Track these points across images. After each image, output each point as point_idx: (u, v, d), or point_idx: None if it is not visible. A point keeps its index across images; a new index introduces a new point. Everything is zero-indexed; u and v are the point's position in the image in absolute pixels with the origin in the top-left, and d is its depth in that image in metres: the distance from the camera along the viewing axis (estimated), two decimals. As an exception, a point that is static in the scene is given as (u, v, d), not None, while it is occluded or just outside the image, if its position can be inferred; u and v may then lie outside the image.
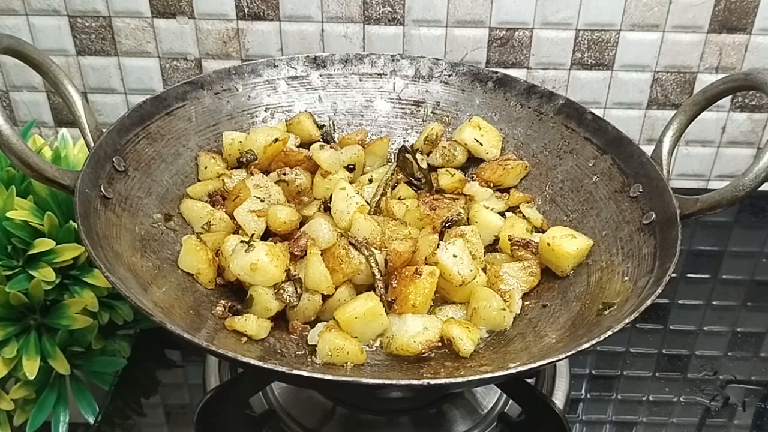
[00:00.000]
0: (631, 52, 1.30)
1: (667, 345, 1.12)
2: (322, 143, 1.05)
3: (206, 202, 0.98)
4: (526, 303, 0.91)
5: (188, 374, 1.08)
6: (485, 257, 0.94)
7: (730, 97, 1.27)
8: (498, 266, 0.92)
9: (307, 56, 1.12)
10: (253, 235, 0.89)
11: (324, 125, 1.11)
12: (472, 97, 1.12)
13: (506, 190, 1.05)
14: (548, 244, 0.90)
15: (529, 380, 0.97)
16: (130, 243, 0.87)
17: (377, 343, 0.84)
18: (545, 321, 0.87)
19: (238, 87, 1.09)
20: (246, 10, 1.28)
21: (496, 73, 1.11)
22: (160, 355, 1.11)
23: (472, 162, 1.09)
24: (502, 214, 1.01)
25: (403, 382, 0.74)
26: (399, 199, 1.00)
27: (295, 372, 0.68)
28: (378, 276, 0.87)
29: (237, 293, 0.89)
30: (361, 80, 1.14)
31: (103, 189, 0.86)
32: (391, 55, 1.14)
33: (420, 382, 0.69)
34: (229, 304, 0.86)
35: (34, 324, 0.97)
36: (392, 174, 1.03)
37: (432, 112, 1.14)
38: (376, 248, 0.89)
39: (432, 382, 0.68)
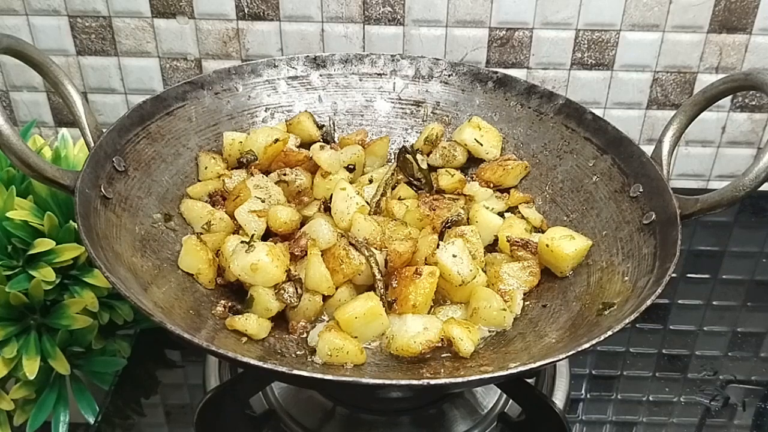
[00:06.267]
0: (631, 52, 1.30)
1: (667, 345, 1.12)
2: (322, 143, 1.05)
3: (206, 202, 0.98)
4: (526, 303, 0.91)
5: (188, 374, 1.08)
6: (485, 257, 0.94)
7: (730, 97, 1.27)
8: (498, 266, 0.92)
9: (307, 56, 1.12)
10: (253, 235, 0.89)
11: (324, 125, 1.11)
12: (472, 97, 1.12)
13: (506, 191, 1.05)
14: (547, 245, 0.90)
15: (529, 380, 0.97)
16: (130, 243, 0.87)
17: (377, 343, 0.84)
18: (545, 321, 0.87)
19: (238, 87, 1.09)
20: (246, 10, 1.28)
21: (496, 73, 1.11)
22: (160, 355, 1.11)
23: (472, 162, 1.09)
24: (501, 214, 1.01)
25: (403, 382, 0.74)
26: (399, 199, 1.00)
27: (295, 372, 0.68)
28: (378, 276, 0.87)
29: (237, 293, 0.89)
30: (361, 80, 1.14)
31: (103, 189, 0.86)
32: (391, 55, 1.14)
33: (420, 382, 0.69)
34: (230, 304, 0.86)
35: (34, 324, 0.97)
36: (392, 174, 1.03)
37: (432, 112, 1.14)
38: (376, 248, 0.89)
39: (432, 382, 0.68)
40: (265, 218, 0.92)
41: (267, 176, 0.99)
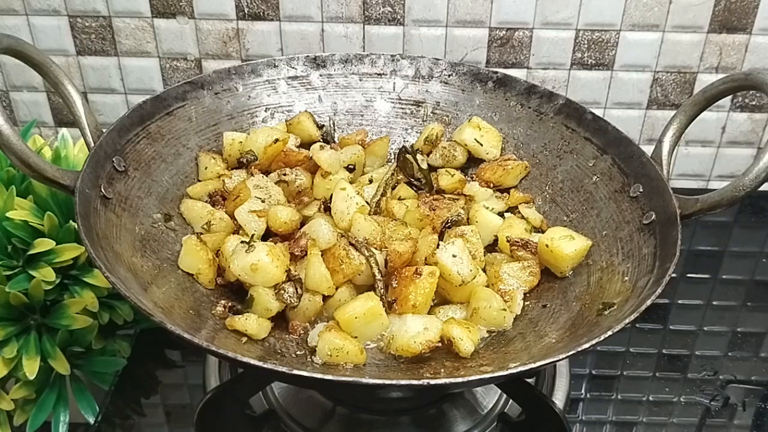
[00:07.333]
0: (631, 52, 1.30)
1: (667, 345, 1.12)
2: (322, 143, 1.05)
3: (206, 202, 0.98)
4: (526, 303, 0.91)
5: (188, 374, 1.08)
6: (485, 257, 0.94)
7: (730, 97, 1.27)
8: (498, 266, 0.92)
9: (307, 56, 1.12)
10: (253, 235, 0.89)
11: (324, 125, 1.11)
12: (472, 97, 1.12)
13: (506, 191, 1.05)
14: (547, 246, 0.90)
15: (529, 380, 0.97)
16: (130, 243, 0.87)
17: (377, 343, 0.84)
18: (545, 321, 0.87)
19: (238, 87, 1.09)
20: (246, 10, 1.28)
21: (496, 73, 1.11)
22: (160, 355, 1.11)
23: (472, 162, 1.09)
24: (501, 214, 1.01)
25: (403, 382, 0.74)
26: (399, 199, 1.00)
27: (295, 372, 0.68)
28: (378, 276, 0.87)
29: (237, 293, 0.89)
30: (361, 80, 1.14)
31: (103, 189, 0.86)
32: (391, 55, 1.14)
33: (420, 382, 0.69)
34: (230, 304, 0.86)
35: (34, 324, 0.97)
36: (392, 174, 1.03)
37: (432, 112, 1.14)
38: (376, 248, 0.89)
39: (432, 382, 0.68)
40: (265, 218, 0.92)
41: (267, 176, 0.99)
